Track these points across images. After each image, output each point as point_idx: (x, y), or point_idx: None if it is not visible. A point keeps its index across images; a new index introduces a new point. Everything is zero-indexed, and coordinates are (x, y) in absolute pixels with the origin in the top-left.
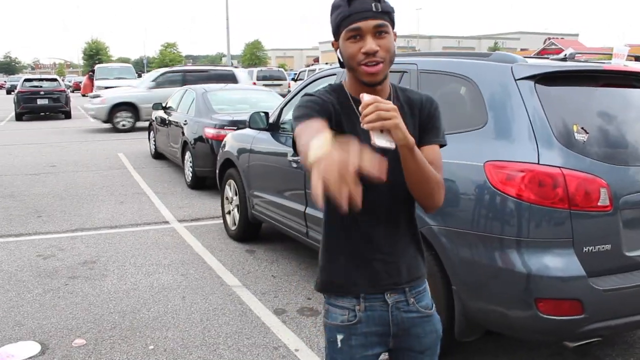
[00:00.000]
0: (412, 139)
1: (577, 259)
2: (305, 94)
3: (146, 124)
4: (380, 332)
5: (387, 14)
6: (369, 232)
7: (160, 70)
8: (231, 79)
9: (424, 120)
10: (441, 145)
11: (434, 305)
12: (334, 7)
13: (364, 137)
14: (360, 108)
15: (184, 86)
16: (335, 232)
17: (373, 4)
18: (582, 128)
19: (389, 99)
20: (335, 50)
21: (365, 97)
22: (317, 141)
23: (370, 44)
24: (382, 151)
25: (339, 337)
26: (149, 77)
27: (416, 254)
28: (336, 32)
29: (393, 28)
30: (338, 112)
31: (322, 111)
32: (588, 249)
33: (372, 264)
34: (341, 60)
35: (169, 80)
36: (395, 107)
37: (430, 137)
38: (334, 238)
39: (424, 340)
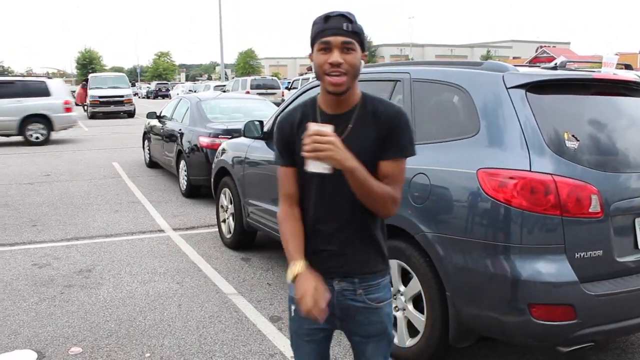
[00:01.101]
0: (351, 164)
1: (569, 264)
2: (279, 117)
3: None
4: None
5: (357, 35)
6: (323, 230)
7: None
8: (42, 92)
9: (385, 134)
10: (408, 155)
11: (389, 301)
12: (314, 23)
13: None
14: (303, 136)
15: (178, 95)
16: (305, 227)
17: (345, 24)
18: (573, 136)
19: (354, 109)
20: (311, 61)
21: (310, 127)
22: (294, 266)
23: (336, 56)
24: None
25: (292, 307)
26: None
27: (371, 252)
28: (312, 45)
29: (362, 48)
30: (298, 125)
31: (285, 148)
32: (580, 255)
33: (323, 254)
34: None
35: None
36: (333, 139)
37: (391, 151)
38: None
39: (367, 327)
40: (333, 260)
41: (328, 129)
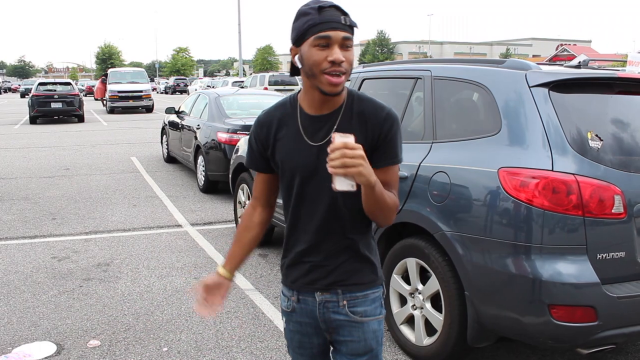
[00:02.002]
0: (374, 179)
1: (590, 265)
2: (256, 118)
3: None
4: (312, 324)
5: (352, 29)
6: (306, 239)
7: None
8: None
9: (376, 139)
10: (399, 162)
11: (378, 318)
12: (302, 14)
13: (300, 147)
14: (328, 149)
15: (197, 90)
16: (286, 235)
17: (342, 17)
18: (597, 135)
19: (339, 109)
20: (293, 56)
21: (336, 139)
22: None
23: (337, 53)
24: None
25: (283, 319)
26: None
27: (357, 264)
28: (301, 39)
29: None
30: (276, 128)
31: (261, 153)
32: (602, 256)
33: (306, 265)
34: (298, 67)
35: None
36: (362, 153)
37: (385, 158)
38: (286, 239)
39: (350, 344)
40: (316, 272)
41: (352, 139)
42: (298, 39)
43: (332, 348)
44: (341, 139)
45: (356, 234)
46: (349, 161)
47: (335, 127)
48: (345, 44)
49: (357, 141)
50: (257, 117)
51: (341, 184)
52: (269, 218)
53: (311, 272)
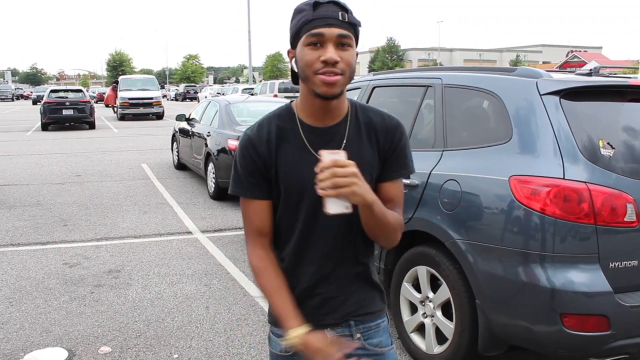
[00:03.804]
0: (371, 198)
1: (603, 274)
2: (242, 138)
3: None
4: None
5: (353, 27)
6: (311, 271)
7: None
8: None
9: (387, 151)
10: (412, 173)
11: (393, 348)
12: (297, 12)
13: (308, 163)
14: (316, 168)
15: (207, 98)
16: (283, 267)
17: (340, 13)
18: (608, 143)
19: (346, 118)
20: (291, 59)
21: (324, 158)
22: (293, 325)
23: (331, 52)
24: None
25: None
26: None
27: (367, 290)
28: (295, 39)
29: (356, 44)
30: (275, 142)
31: (258, 175)
32: (614, 265)
33: (315, 300)
34: (295, 70)
35: None
36: (355, 171)
37: (394, 171)
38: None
39: None
40: (327, 306)
41: (343, 156)
42: (293, 39)
43: None
44: (330, 157)
45: (367, 259)
46: (340, 181)
47: (344, 140)
48: (342, 42)
49: (368, 154)
50: (243, 136)
51: (334, 207)
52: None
53: (321, 308)
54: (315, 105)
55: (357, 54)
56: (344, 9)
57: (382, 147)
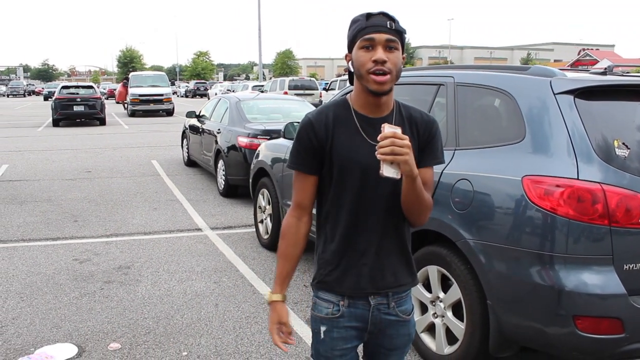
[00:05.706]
0: (416, 171)
1: (617, 276)
2: (304, 120)
3: None
4: (359, 327)
5: (399, 34)
6: (357, 241)
7: None
8: None
9: (424, 141)
10: (442, 162)
11: (413, 310)
12: (353, 21)
13: (361, 146)
14: (378, 138)
15: (218, 95)
16: (328, 237)
17: (388, 22)
18: (624, 143)
19: (392, 112)
20: (348, 62)
21: (386, 129)
22: (276, 290)
23: (380, 53)
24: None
25: (322, 328)
26: None
27: (403, 263)
28: (351, 44)
29: (402, 49)
30: (332, 127)
31: (313, 153)
32: (629, 267)
33: (359, 269)
34: (352, 70)
35: None
36: (409, 143)
37: (429, 158)
38: (327, 242)
39: (395, 340)
40: (372, 274)
41: (400, 131)
42: (350, 45)
43: (362, 344)
44: (391, 129)
45: (406, 231)
46: (397, 149)
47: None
48: (389, 46)
49: (411, 143)
50: (304, 118)
51: (388, 171)
52: (310, 228)
53: (366, 276)
54: (367, 100)
55: (403, 57)
56: (392, 19)
57: (421, 138)
